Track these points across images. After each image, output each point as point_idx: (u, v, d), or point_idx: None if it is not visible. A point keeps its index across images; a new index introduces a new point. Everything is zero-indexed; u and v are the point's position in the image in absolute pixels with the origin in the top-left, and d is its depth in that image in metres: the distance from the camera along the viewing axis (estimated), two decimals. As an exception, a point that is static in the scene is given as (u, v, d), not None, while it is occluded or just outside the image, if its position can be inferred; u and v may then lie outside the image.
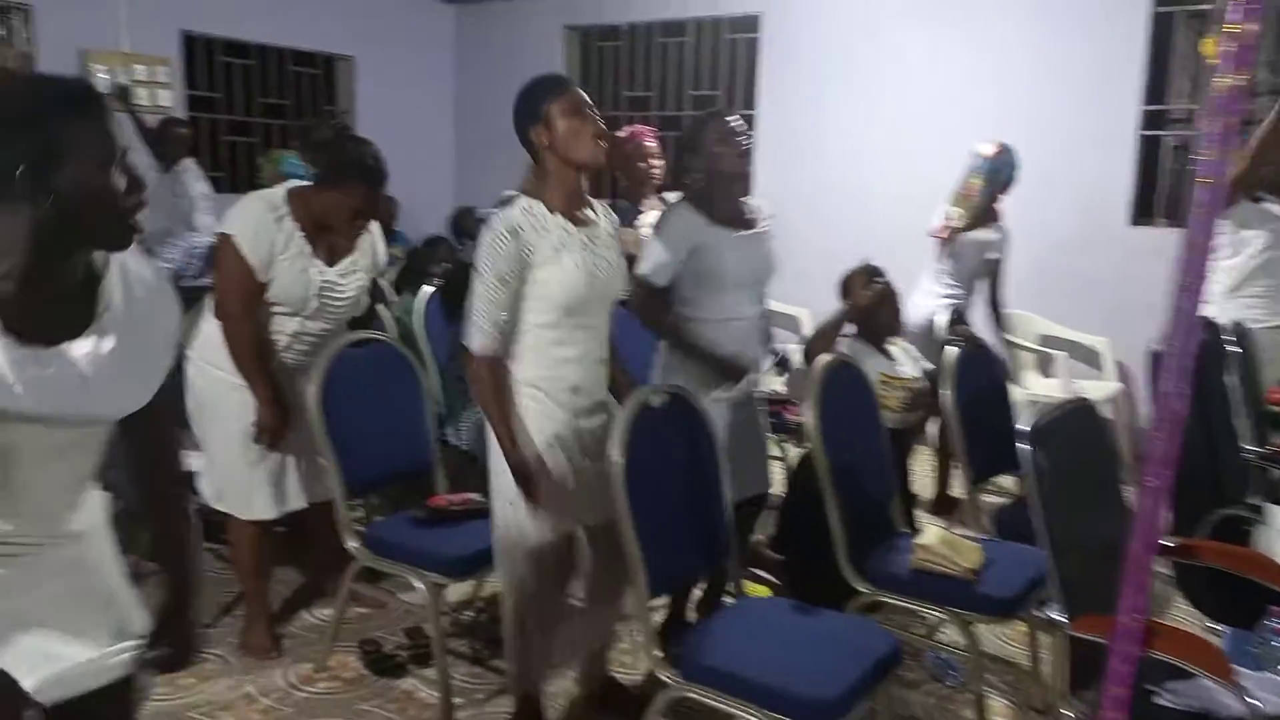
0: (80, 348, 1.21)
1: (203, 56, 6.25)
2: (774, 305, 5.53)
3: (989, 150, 4.06)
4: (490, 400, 2.14)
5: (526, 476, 2.14)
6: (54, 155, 1.12)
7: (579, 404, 2.21)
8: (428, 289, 3.84)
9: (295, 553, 3.23)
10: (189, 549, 1.58)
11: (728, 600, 2.66)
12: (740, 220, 2.71)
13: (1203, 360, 2.83)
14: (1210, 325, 3.14)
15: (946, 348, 3.15)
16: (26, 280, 1.16)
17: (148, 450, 1.47)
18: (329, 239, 2.66)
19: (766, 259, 2.78)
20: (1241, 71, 1.53)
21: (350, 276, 2.72)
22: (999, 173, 4.04)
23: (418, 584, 2.50)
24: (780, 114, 5.95)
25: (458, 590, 2.96)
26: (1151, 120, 4.96)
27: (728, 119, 2.67)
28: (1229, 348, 3.21)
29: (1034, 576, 2.42)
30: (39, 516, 1.31)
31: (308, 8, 6.44)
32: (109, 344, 1.23)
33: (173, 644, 1.50)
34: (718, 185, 2.66)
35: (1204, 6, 4.80)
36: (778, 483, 4.08)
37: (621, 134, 3.71)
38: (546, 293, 2.11)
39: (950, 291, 4.24)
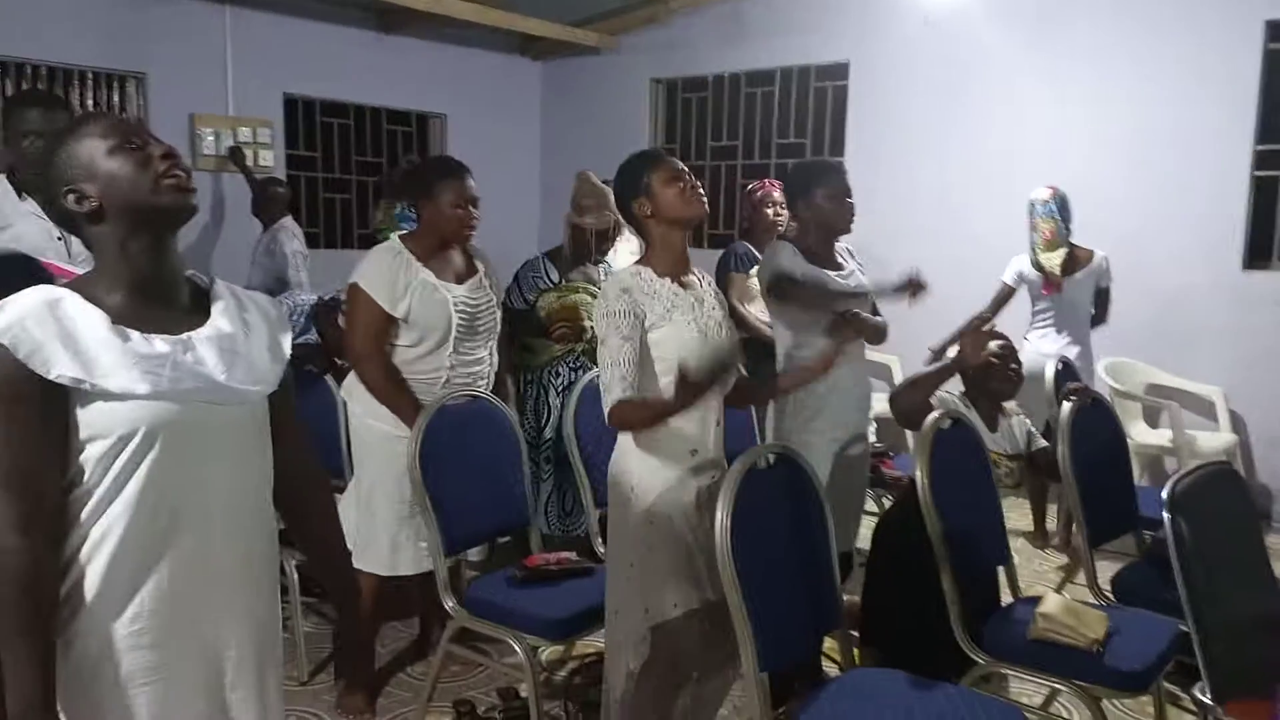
0: (203, 334, 1.34)
1: (303, 117, 6.49)
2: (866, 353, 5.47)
3: (1045, 194, 4.20)
4: (641, 420, 2.11)
5: (696, 383, 2.01)
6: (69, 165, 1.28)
7: (699, 465, 2.19)
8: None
9: (392, 611, 3.23)
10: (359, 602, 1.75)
11: (831, 670, 2.55)
12: (833, 264, 2.93)
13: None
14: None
15: (1062, 403, 3.01)
16: (139, 288, 1.30)
17: (322, 513, 1.60)
18: (450, 263, 2.76)
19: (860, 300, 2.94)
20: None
21: (479, 292, 2.80)
22: (1064, 208, 4.19)
23: (516, 646, 2.46)
24: (867, 161, 5.86)
25: (552, 649, 2.91)
26: (1264, 160, 4.75)
27: (842, 174, 2.94)
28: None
29: (1164, 649, 2.27)
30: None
31: (403, 70, 6.65)
32: (226, 329, 1.36)
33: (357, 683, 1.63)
34: (819, 237, 2.90)
35: (1319, 42, 4.61)
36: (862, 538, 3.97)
37: (753, 185, 4.14)
38: (663, 354, 2.10)
39: (1063, 340, 4.18)
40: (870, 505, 3.95)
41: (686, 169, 2.22)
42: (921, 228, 5.50)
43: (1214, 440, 4.70)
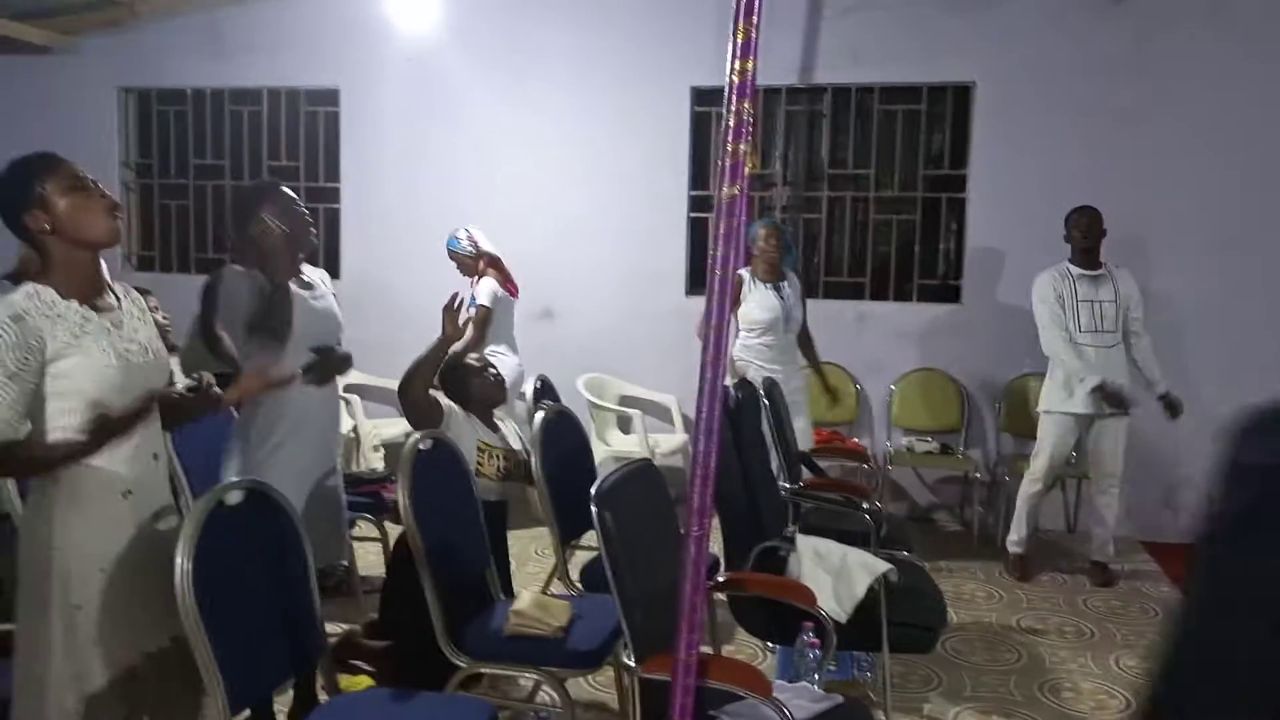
0: None
1: None
2: (363, 378, 5.50)
3: (461, 232, 4.87)
4: (32, 464, 1.87)
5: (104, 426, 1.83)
6: None
7: (137, 507, 1.97)
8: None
9: None
10: None
11: (322, 698, 2.55)
12: (300, 284, 2.97)
13: (739, 413, 3.30)
14: (744, 382, 3.65)
15: (536, 414, 3.34)
16: None
17: None
18: None
19: (332, 320, 3.03)
20: (735, 183, 1.85)
21: None
22: (460, 241, 4.85)
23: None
24: (361, 189, 5.96)
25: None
26: (697, 205, 5.69)
27: (284, 190, 2.96)
28: (763, 400, 3.76)
29: (615, 625, 2.63)
30: None
31: None
32: None
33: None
34: (274, 253, 2.90)
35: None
36: (376, 565, 4.02)
37: None
38: (73, 387, 1.85)
39: (511, 356, 4.71)
40: (373, 531, 4.03)
41: (92, 178, 1.95)
42: (421, 253, 5.66)
43: (671, 440, 5.50)
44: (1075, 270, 4.35)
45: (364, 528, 4.03)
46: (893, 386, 5.45)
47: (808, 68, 5.28)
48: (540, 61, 5.67)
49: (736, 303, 4.46)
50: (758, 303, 4.49)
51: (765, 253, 4.50)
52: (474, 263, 4.83)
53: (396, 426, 5.36)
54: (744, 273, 4.50)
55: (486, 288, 4.75)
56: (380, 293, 5.70)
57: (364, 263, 5.96)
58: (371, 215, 5.95)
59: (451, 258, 4.86)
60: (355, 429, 5.34)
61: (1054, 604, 4.21)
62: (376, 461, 5.26)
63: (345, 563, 3.62)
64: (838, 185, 5.57)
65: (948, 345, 5.39)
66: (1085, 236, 4.32)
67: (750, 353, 4.52)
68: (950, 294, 5.48)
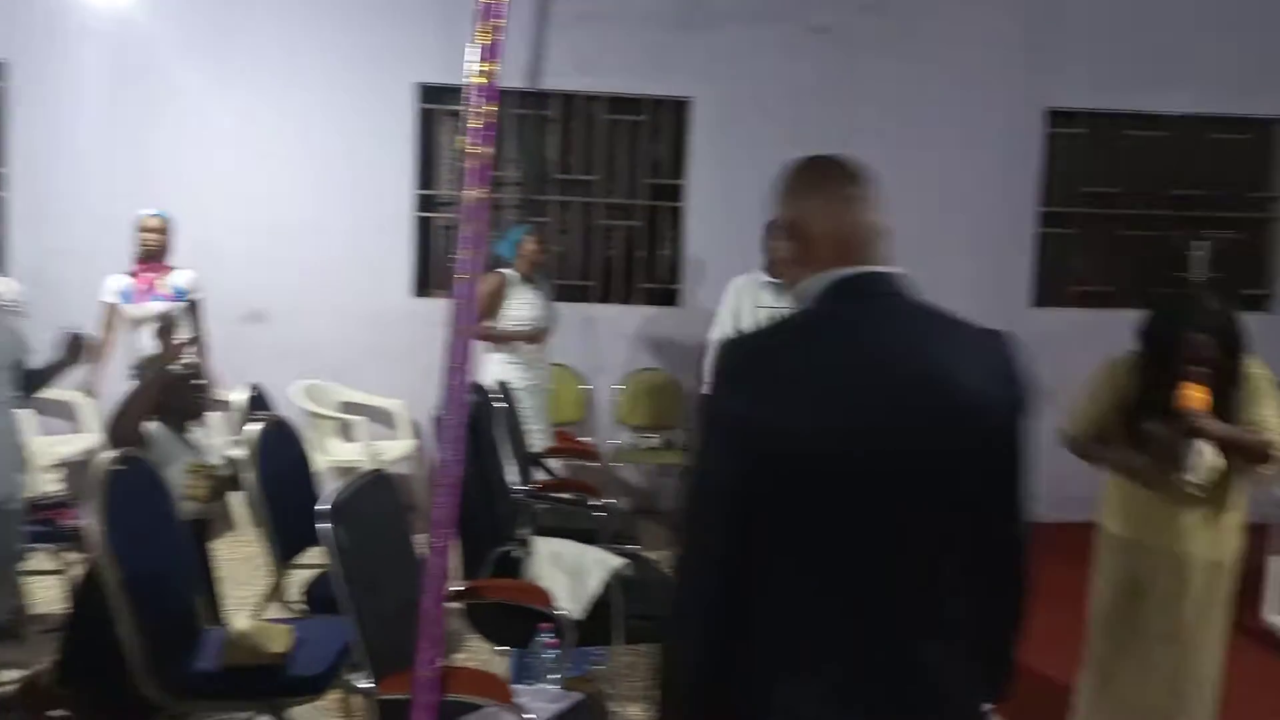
0: None
1: None
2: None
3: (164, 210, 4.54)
4: None
5: None
6: None
7: None
8: None
9: None
10: None
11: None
12: None
13: (476, 418, 3.25)
14: (479, 387, 3.61)
15: (247, 426, 3.09)
16: None
17: None
18: None
19: (14, 339, 2.55)
20: (483, 186, 1.81)
21: None
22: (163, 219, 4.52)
23: None
24: (37, 172, 5.24)
25: None
26: (424, 203, 5.55)
27: None
28: (496, 404, 3.73)
29: (342, 647, 2.49)
30: None
31: None
32: None
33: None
34: None
35: (456, 107, 5.55)
36: (56, 600, 3.56)
37: None
38: None
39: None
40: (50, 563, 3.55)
41: None
42: (100, 247, 5.06)
43: (398, 447, 5.32)
44: (763, 279, 4.67)
45: (38, 560, 3.54)
46: (618, 386, 5.61)
47: (536, 73, 5.32)
48: (251, 50, 5.28)
49: (496, 305, 4.43)
50: (522, 303, 4.48)
51: (533, 254, 4.53)
52: (161, 249, 4.42)
53: (74, 444, 4.78)
54: (507, 272, 4.47)
55: (189, 277, 4.38)
56: (54, 289, 5.02)
57: (36, 256, 5.24)
58: (46, 203, 5.25)
59: (146, 235, 4.41)
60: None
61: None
62: (51, 484, 4.65)
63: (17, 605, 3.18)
64: (566, 190, 5.66)
65: (668, 346, 5.64)
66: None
67: (509, 355, 4.48)
68: (670, 298, 5.74)
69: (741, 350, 1.28)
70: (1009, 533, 1.29)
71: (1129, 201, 5.71)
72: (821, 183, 1.33)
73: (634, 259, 5.72)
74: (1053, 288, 5.76)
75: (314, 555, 3.23)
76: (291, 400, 4.84)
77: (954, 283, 5.55)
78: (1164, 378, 2.42)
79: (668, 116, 5.63)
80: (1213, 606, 2.59)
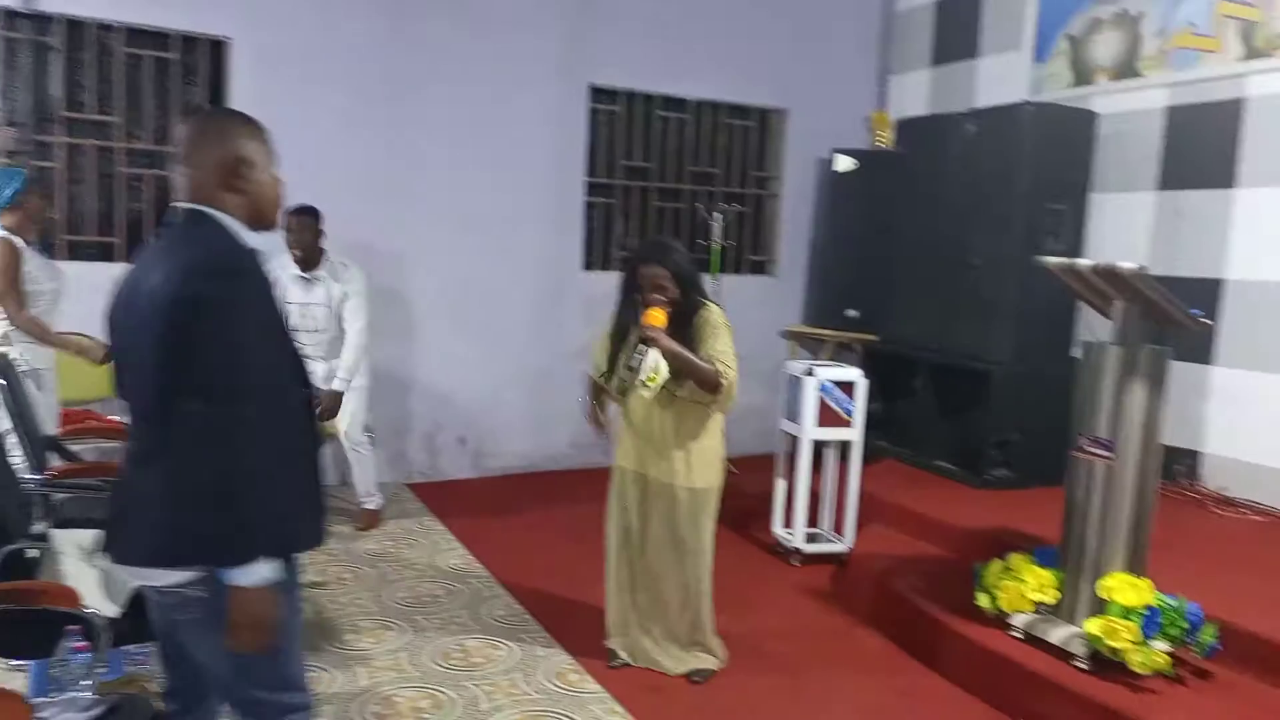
0: None
1: None
2: None
3: None
4: None
5: None
6: None
7: None
8: None
9: None
10: None
11: None
12: None
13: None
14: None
15: None
16: None
17: None
18: None
19: None
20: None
21: None
22: None
23: None
24: None
25: None
26: None
27: None
28: (-4, 381, 3.16)
29: None
30: None
31: None
32: None
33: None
34: None
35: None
36: None
37: None
38: None
39: None
40: None
41: None
42: None
43: None
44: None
45: None
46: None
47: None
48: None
49: (14, 279, 3.70)
50: (39, 271, 3.83)
51: (36, 210, 3.88)
52: None
53: None
54: (13, 239, 3.74)
55: None
56: None
57: None
58: None
59: None
60: None
61: (331, 554, 4.40)
62: None
63: None
64: (77, 132, 4.89)
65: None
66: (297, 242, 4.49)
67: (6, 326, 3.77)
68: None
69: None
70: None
71: (659, 175, 6.36)
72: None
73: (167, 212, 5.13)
74: (600, 253, 6.24)
75: None
76: None
77: (523, 250, 5.84)
78: (637, 311, 3.07)
79: (204, 58, 5.10)
80: (699, 520, 3.24)
